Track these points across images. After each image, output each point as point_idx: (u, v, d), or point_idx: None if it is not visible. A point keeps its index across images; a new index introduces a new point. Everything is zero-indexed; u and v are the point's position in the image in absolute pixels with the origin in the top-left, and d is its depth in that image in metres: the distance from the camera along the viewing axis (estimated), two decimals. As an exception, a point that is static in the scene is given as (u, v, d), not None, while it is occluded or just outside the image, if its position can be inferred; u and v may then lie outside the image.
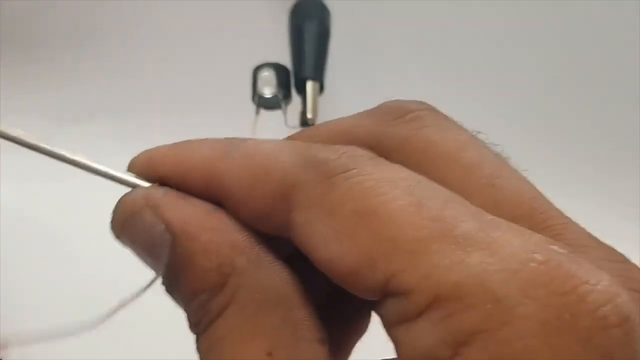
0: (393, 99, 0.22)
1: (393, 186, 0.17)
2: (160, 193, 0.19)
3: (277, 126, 0.38)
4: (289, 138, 0.22)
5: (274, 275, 0.18)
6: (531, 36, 0.54)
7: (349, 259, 0.16)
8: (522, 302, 0.15)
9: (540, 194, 0.20)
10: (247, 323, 0.18)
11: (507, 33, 0.54)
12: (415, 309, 0.16)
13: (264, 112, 0.39)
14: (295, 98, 0.40)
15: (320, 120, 0.39)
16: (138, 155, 0.21)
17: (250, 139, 0.20)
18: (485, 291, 0.15)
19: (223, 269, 0.18)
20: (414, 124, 0.21)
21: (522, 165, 0.21)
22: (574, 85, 0.55)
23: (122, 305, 0.19)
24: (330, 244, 0.17)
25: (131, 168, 0.21)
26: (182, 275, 0.18)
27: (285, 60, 0.40)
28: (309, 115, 0.38)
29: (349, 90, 0.54)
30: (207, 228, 0.18)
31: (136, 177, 0.20)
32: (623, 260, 0.18)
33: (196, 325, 0.19)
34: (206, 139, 0.20)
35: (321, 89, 0.40)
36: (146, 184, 0.20)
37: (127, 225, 0.19)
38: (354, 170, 0.17)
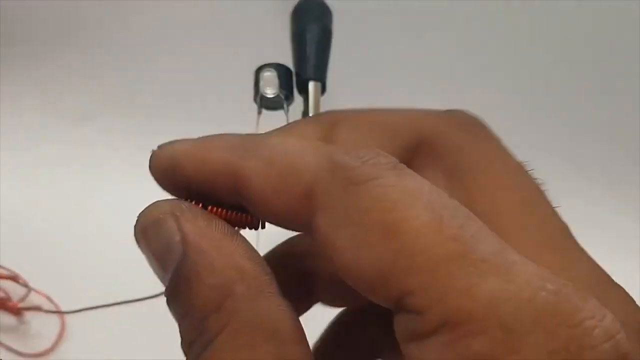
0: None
1: (415, 200, 0.17)
2: (186, 206, 0.19)
3: (280, 126, 0.38)
4: (315, 117, 0.21)
5: (272, 308, 0.18)
6: (532, 36, 0.54)
7: (367, 269, 0.17)
8: (532, 332, 0.15)
9: (568, 232, 0.20)
10: (237, 353, 0.17)
11: (510, 32, 0.54)
12: (427, 328, 0.16)
13: (266, 113, 0.39)
14: (298, 98, 0.40)
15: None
16: (159, 152, 0.21)
17: (273, 136, 0.21)
18: (497, 318, 0.15)
19: (221, 290, 0.18)
20: (472, 137, 0.22)
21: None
22: (574, 85, 0.55)
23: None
24: (350, 250, 0.17)
25: (154, 164, 0.21)
26: (183, 288, 0.18)
27: (288, 60, 0.40)
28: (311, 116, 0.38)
29: (351, 90, 0.54)
30: (218, 247, 0.18)
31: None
32: (631, 301, 0.19)
33: (188, 345, 0.19)
34: (228, 135, 0.20)
35: (323, 89, 0.40)
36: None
37: (148, 229, 0.20)
38: (379, 180, 0.17)
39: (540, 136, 0.55)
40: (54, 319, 0.48)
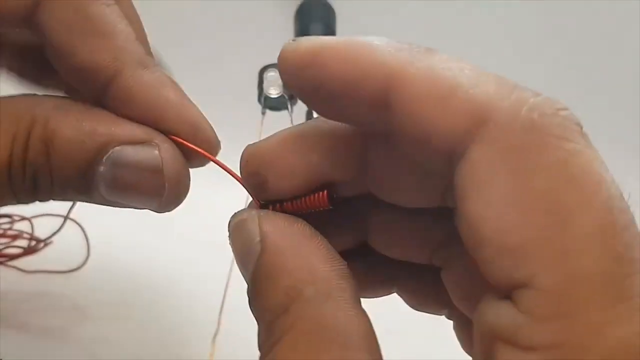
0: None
1: (598, 193, 0.15)
2: (268, 210, 0.20)
3: (283, 127, 0.38)
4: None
5: (340, 313, 0.17)
6: (533, 37, 0.54)
7: (509, 232, 0.15)
8: None
9: None
10: (300, 356, 0.17)
11: (512, 33, 0.54)
12: (537, 339, 0.14)
13: (269, 113, 0.39)
14: (301, 99, 0.40)
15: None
16: (298, 44, 0.19)
17: (438, 53, 0.18)
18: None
19: (291, 292, 0.17)
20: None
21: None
22: (574, 85, 0.55)
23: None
24: (498, 202, 0.15)
25: (289, 56, 0.20)
26: (259, 289, 0.18)
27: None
28: (315, 116, 0.38)
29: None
30: (295, 249, 0.18)
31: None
32: None
33: (260, 346, 0.18)
34: (382, 38, 0.18)
35: (327, 89, 0.40)
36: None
37: (235, 231, 0.20)
38: (569, 144, 0.15)
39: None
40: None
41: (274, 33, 0.52)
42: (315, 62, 0.18)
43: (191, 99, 0.25)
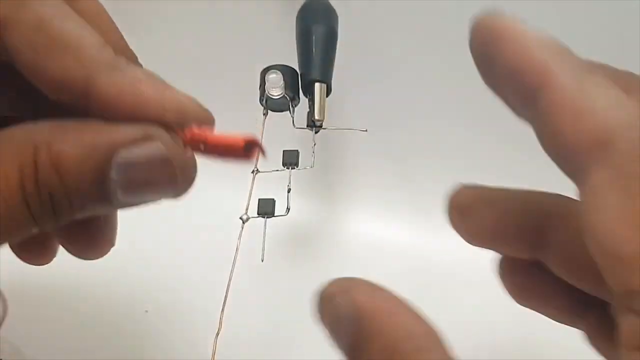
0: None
1: None
2: (363, 281, 0.20)
3: (285, 128, 0.38)
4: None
5: None
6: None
7: (628, 247, 0.15)
8: None
9: None
10: None
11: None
12: None
13: (271, 114, 0.39)
14: (303, 99, 0.40)
15: (327, 121, 0.39)
16: (489, 16, 0.21)
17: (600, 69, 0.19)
18: None
19: (387, 349, 0.18)
20: None
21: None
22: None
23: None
24: (616, 221, 0.16)
25: (479, 29, 0.21)
26: (357, 355, 0.18)
27: (293, 62, 0.41)
28: (317, 117, 0.38)
29: (356, 91, 0.54)
30: (388, 312, 0.19)
31: None
32: None
33: None
34: (540, 33, 0.20)
35: (329, 90, 0.40)
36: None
37: (323, 304, 0.20)
38: None
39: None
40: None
41: (275, 34, 0.52)
42: (494, 40, 0.20)
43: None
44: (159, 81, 0.24)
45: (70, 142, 0.22)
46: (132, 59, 0.27)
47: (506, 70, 0.19)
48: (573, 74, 0.18)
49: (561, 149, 0.18)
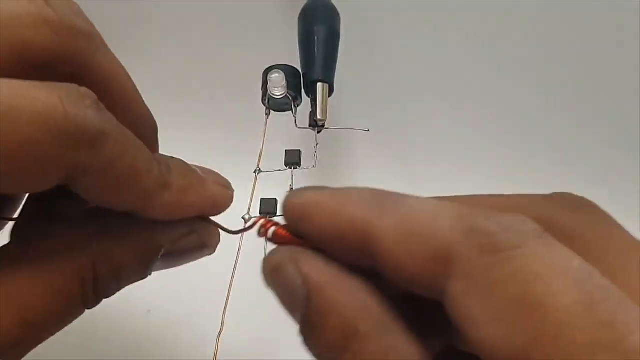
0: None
1: (563, 276, 0.15)
2: (303, 251, 0.20)
3: (288, 127, 0.38)
4: (443, 200, 0.20)
5: (399, 345, 0.17)
6: (543, 36, 0.54)
7: (504, 347, 0.15)
8: None
9: None
10: None
11: (518, 36, 0.54)
12: None
13: (274, 114, 0.39)
14: (305, 99, 0.40)
15: (329, 121, 0.39)
16: (291, 199, 0.21)
17: (409, 196, 0.20)
18: None
19: (346, 330, 0.18)
20: (589, 217, 0.21)
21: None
22: (574, 85, 0.55)
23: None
24: (485, 324, 0.16)
25: (287, 213, 0.21)
26: (313, 331, 0.18)
27: (295, 62, 0.41)
28: (319, 117, 0.38)
29: (358, 92, 0.54)
30: (338, 287, 0.18)
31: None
32: None
33: None
34: (361, 190, 0.20)
35: (331, 90, 0.40)
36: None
37: (273, 276, 0.20)
38: (522, 250, 0.16)
39: (542, 135, 0.55)
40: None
41: (277, 35, 0.52)
42: (304, 216, 0.20)
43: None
44: (195, 180, 0.25)
45: (126, 248, 0.24)
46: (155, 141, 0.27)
47: (330, 237, 0.20)
48: (387, 218, 0.19)
49: (413, 282, 0.18)
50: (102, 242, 0.23)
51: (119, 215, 0.23)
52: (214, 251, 0.28)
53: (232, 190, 0.27)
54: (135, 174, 0.22)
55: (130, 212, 0.23)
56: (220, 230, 0.27)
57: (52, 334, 0.24)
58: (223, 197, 0.26)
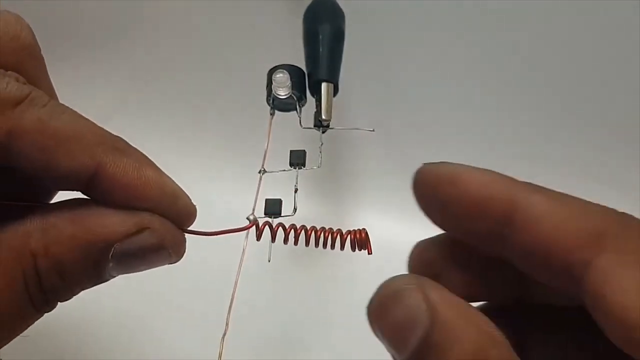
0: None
1: None
2: (427, 279, 0.20)
3: (292, 127, 0.38)
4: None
5: None
6: (545, 37, 0.54)
7: None
8: None
9: None
10: None
11: (519, 36, 0.54)
12: None
13: (278, 114, 0.39)
14: (310, 99, 0.40)
15: (334, 121, 0.39)
16: (435, 168, 0.22)
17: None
18: None
19: (477, 355, 0.18)
20: None
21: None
22: (574, 85, 0.55)
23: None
24: (631, 292, 0.17)
25: (426, 177, 0.22)
26: (434, 358, 0.18)
27: (300, 62, 0.40)
28: (324, 117, 0.38)
29: (363, 91, 0.54)
30: (465, 316, 0.19)
31: None
32: None
33: None
34: (500, 174, 0.21)
35: (336, 90, 0.40)
36: None
37: (386, 303, 0.20)
38: None
39: (542, 136, 0.55)
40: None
41: (282, 34, 0.52)
42: (453, 179, 0.21)
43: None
44: (155, 165, 0.26)
45: (67, 244, 0.24)
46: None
47: (467, 207, 0.21)
48: (540, 194, 0.20)
49: (554, 254, 0.19)
50: (41, 237, 0.24)
51: (57, 209, 0.24)
52: (180, 257, 0.27)
53: (195, 207, 0.27)
54: (73, 132, 0.24)
55: (81, 185, 0.24)
56: (233, 233, 0.28)
57: (8, 338, 0.24)
58: (184, 195, 0.27)
